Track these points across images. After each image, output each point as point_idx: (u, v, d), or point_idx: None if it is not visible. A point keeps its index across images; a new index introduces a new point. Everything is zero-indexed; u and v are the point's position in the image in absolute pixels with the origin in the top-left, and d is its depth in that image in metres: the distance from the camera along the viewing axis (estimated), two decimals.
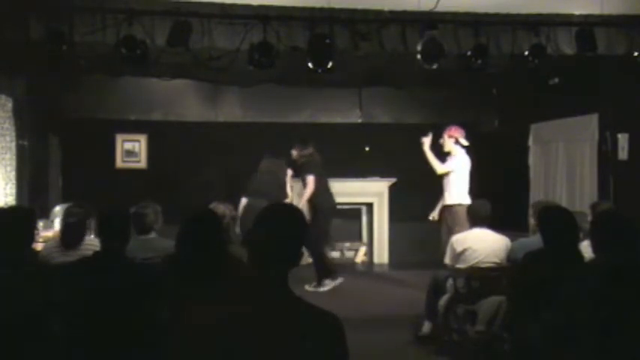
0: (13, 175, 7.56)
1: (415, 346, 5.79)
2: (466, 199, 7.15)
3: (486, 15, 6.60)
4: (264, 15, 6.17)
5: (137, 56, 6.04)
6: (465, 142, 7.47)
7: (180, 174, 9.42)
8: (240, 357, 1.85)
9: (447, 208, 7.38)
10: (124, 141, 9.82)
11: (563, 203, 7.76)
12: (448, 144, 7.49)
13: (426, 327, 5.87)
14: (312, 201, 7.93)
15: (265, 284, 1.95)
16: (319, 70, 6.26)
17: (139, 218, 4.64)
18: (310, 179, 7.92)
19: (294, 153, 8.09)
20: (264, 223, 2.04)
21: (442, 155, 7.58)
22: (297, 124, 9.96)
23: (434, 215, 7.67)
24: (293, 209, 2.16)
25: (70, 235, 4.60)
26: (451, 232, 6.74)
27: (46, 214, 7.03)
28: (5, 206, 6.07)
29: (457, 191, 7.34)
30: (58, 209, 6.52)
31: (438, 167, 7.43)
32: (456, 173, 7.39)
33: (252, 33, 6.20)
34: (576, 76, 8.05)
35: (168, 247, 4.02)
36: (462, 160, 7.46)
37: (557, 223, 3.89)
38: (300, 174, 8.16)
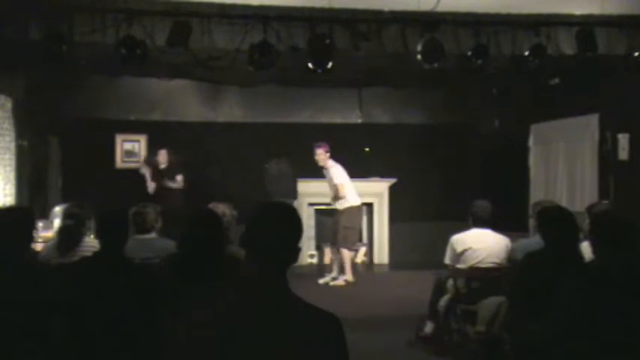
0: (12, 175, 7.56)
1: (415, 346, 5.79)
2: (357, 200, 8.28)
3: (486, 15, 6.60)
4: (264, 15, 6.17)
5: (137, 56, 6.04)
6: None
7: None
8: (240, 357, 1.84)
9: (345, 211, 8.20)
10: (123, 141, 9.81)
11: (563, 203, 7.75)
12: (324, 159, 8.31)
13: (428, 327, 5.86)
14: None
15: (265, 284, 1.95)
16: (319, 70, 6.27)
17: (138, 217, 4.64)
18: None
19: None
20: (261, 222, 2.02)
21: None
22: (297, 124, 9.95)
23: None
24: (288, 207, 2.13)
25: (67, 238, 4.59)
26: (347, 229, 8.09)
27: (45, 214, 7.03)
28: (4, 206, 6.07)
29: (349, 196, 8.24)
30: (57, 209, 6.52)
31: (341, 188, 8.12)
32: (344, 182, 8.22)
33: (252, 33, 6.20)
34: (576, 76, 8.04)
35: (168, 247, 4.02)
36: (340, 170, 8.27)
37: (558, 223, 3.88)
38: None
